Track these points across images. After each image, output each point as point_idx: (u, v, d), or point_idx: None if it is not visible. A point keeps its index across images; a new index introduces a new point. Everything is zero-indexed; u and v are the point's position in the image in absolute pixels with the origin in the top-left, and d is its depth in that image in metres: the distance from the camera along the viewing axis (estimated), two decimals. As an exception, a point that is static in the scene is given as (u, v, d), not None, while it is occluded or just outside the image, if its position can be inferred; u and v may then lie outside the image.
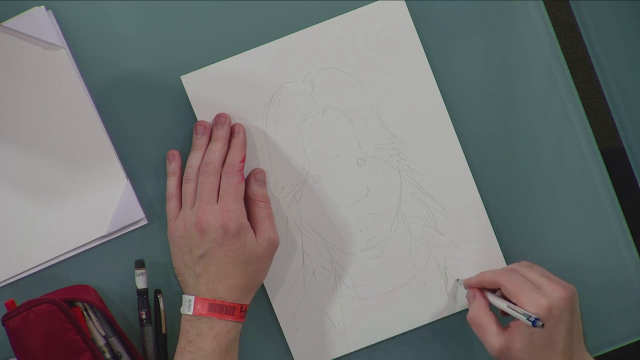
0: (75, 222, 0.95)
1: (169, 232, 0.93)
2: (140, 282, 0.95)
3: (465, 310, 0.98)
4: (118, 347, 0.94)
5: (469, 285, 0.95)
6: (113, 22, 0.96)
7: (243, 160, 0.93)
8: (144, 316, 0.95)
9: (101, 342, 0.94)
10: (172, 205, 0.94)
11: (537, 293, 0.88)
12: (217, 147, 0.93)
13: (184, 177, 0.94)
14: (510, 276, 0.91)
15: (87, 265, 0.97)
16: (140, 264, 0.95)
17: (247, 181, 0.94)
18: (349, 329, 0.98)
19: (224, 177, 0.92)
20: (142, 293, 0.95)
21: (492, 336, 0.90)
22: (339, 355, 0.98)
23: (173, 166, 0.95)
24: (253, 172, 0.95)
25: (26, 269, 0.95)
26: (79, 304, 0.93)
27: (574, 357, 0.89)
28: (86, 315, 0.93)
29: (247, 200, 0.94)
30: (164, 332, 0.96)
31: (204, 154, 0.93)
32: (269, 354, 0.98)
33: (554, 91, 0.99)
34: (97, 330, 0.94)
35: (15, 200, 0.95)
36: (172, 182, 0.94)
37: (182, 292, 0.93)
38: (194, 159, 0.93)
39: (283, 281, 0.97)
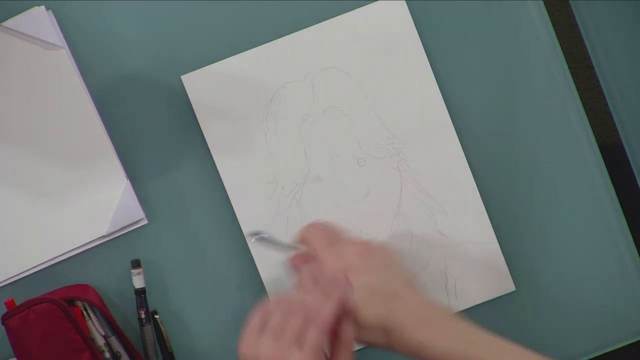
0: (75, 222, 0.95)
1: None
2: (138, 282, 0.95)
3: (466, 311, 0.98)
4: (117, 346, 0.94)
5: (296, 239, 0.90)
6: (113, 22, 0.96)
7: None
8: (143, 316, 0.95)
9: (101, 341, 0.94)
10: None
11: (335, 251, 0.85)
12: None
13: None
14: (317, 231, 0.87)
15: (87, 265, 0.96)
16: (136, 264, 0.95)
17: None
18: (349, 329, 0.98)
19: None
20: (139, 292, 0.95)
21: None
22: (339, 355, 0.98)
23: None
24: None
25: (26, 269, 0.95)
26: (79, 304, 0.93)
27: (401, 301, 0.82)
28: (86, 315, 0.93)
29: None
30: (169, 350, 0.96)
31: None
32: (269, 354, 0.98)
33: (554, 91, 0.99)
34: (96, 330, 0.94)
35: (15, 200, 0.95)
36: None
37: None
38: None
39: (283, 281, 0.97)
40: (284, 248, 0.91)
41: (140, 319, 0.96)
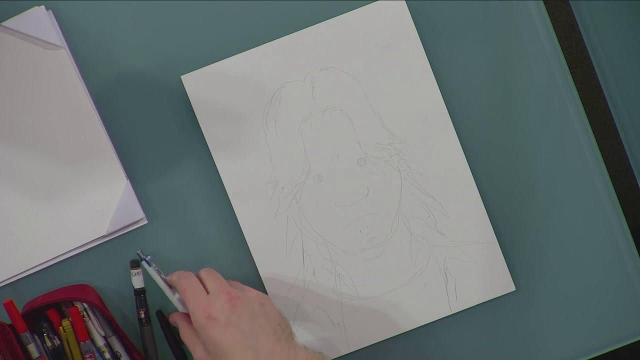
0: (75, 222, 0.95)
1: None
2: (137, 282, 0.95)
3: (466, 311, 0.98)
4: (118, 346, 0.94)
5: (170, 283, 0.93)
6: (113, 22, 0.96)
7: None
8: (142, 315, 0.95)
9: (101, 342, 0.94)
10: None
11: (204, 298, 0.88)
12: None
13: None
14: (186, 280, 0.90)
15: (87, 265, 0.96)
16: (135, 264, 0.95)
17: None
18: (349, 329, 0.98)
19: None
20: (139, 292, 0.95)
21: (198, 352, 0.89)
22: (339, 355, 0.98)
23: None
24: None
25: (26, 269, 0.95)
26: (77, 304, 0.93)
27: (264, 356, 0.87)
28: (85, 315, 0.93)
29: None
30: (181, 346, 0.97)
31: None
32: (269, 354, 0.98)
33: (554, 91, 0.99)
34: (96, 330, 0.94)
35: (15, 200, 0.95)
36: None
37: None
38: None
39: (283, 281, 0.97)
40: (161, 282, 0.93)
41: (140, 319, 0.96)
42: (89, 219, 0.95)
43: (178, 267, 0.96)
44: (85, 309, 0.94)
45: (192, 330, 0.90)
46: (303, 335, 0.97)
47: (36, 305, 0.93)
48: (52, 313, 0.93)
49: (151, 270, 0.93)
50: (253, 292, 0.90)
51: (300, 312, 0.97)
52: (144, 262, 0.93)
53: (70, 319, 0.93)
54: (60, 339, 0.93)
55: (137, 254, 0.94)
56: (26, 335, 0.91)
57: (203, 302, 0.88)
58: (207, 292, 0.89)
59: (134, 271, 0.95)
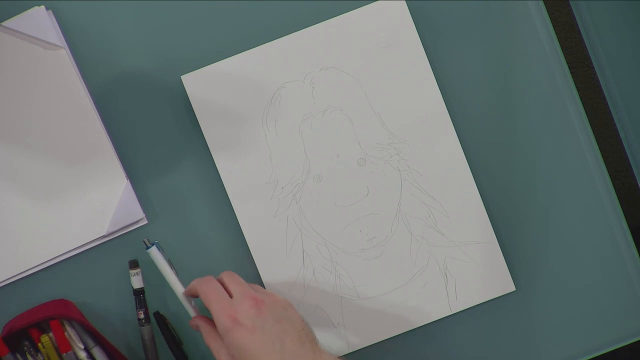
0: (75, 222, 0.95)
1: None
2: (136, 282, 0.95)
3: (466, 311, 0.98)
4: (101, 356, 0.94)
5: (188, 293, 0.93)
6: (113, 22, 0.96)
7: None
8: (142, 316, 0.95)
9: (82, 354, 0.94)
10: None
11: (228, 303, 0.87)
12: None
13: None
14: (208, 284, 0.90)
15: (87, 265, 0.96)
16: (134, 264, 0.95)
17: None
18: (349, 329, 0.98)
19: None
20: (138, 293, 0.95)
21: (222, 356, 0.88)
22: (339, 355, 0.98)
23: None
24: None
25: (26, 269, 0.95)
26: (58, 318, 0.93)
27: (290, 359, 0.86)
28: (66, 328, 0.93)
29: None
30: (181, 345, 0.96)
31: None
32: (269, 354, 0.98)
33: (554, 91, 0.99)
34: (75, 344, 0.93)
35: (15, 200, 0.95)
36: None
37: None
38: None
39: (283, 281, 0.97)
40: (167, 273, 0.93)
41: (139, 319, 0.96)
42: (89, 219, 0.95)
43: (178, 266, 0.96)
44: (63, 324, 0.93)
45: (216, 334, 0.89)
46: (303, 335, 0.97)
47: (15, 328, 0.92)
48: (33, 331, 0.93)
49: (159, 258, 0.92)
50: (277, 297, 0.90)
51: (300, 312, 0.97)
52: (154, 247, 0.92)
53: (50, 334, 0.93)
54: (42, 355, 0.93)
55: (144, 241, 0.93)
56: (8, 357, 0.92)
57: (228, 307, 0.87)
58: (231, 297, 0.89)
59: (132, 271, 0.95)
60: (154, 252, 0.92)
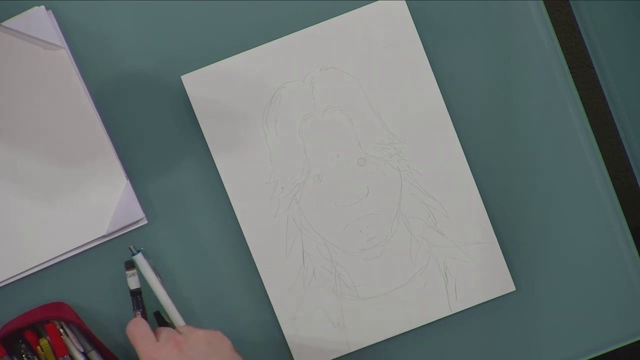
0: (75, 222, 0.95)
1: None
2: (132, 283, 0.94)
3: (466, 311, 0.98)
4: None
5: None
6: (113, 22, 0.96)
7: None
8: (139, 317, 0.95)
9: (80, 357, 0.94)
10: None
11: (151, 345, 0.88)
12: None
13: None
14: (136, 326, 0.90)
15: (87, 265, 0.96)
16: (130, 265, 0.94)
17: None
18: (349, 329, 0.98)
19: None
20: (135, 294, 0.94)
21: None
22: (339, 355, 0.98)
23: None
24: None
25: (26, 269, 0.95)
26: (54, 321, 0.93)
27: None
28: (62, 332, 0.93)
29: None
30: None
31: None
32: (269, 354, 0.98)
33: (554, 91, 0.99)
34: (74, 346, 0.94)
35: (15, 200, 0.95)
36: None
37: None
38: None
39: (283, 281, 0.97)
40: (152, 280, 0.93)
41: None
42: (89, 219, 0.95)
43: (178, 267, 0.96)
44: (62, 326, 0.93)
45: (149, 339, 0.90)
46: (303, 335, 0.97)
47: (11, 329, 0.92)
48: (29, 334, 0.93)
49: (145, 265, 0.92)
50: (200, 332, 0.90)
51: (300, 312, 0.97)
52: (139, 254, 0.92)
53: (48, 337, 0.93)
54: (39, 358, 0.93)
55: (130, 248, 0.93)
56: (5, 359, 0.92)
57: (151, 349, 0.88)
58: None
59: (129, 272, 0.94)
60: (139, 259, 0.93)
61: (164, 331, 0.90)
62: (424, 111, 0.97)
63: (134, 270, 0.94)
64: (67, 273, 0.96)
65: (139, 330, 0.90)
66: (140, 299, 0.95)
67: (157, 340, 0.89)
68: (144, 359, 0.88)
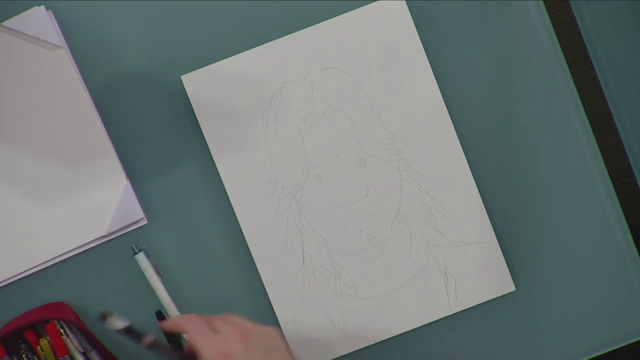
0: (75, 222, 0.95)
1: None
2: (119, 324, 0.86)
3: (466, 311, 0.98)
4: None
5: (169, 329, 0.90)
6: (113, 22, 0.96)
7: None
8: (148, 341, 0.89)
9: (80, 357, 0.94)
10: None
11: (213, 338, 0.85)
12: None
13: None
14: (193, 322, 0.88)
15: (88, 265, 0.96)
16: (104, 317, 0.85)
17: None
18: (349, 329, 0.98)
19: None
20: (128, 331, 0.87)
21: None
22: (339, 355, 0.98)
23: None
24: None
25: (26, 269, 0.95)
26: (54, 321, 0.93)
27: None
28: (62, 332, 0.93)
29: None
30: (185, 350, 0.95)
31: None
32: (269, 354, 0.98)
33: (554, 91, 0.99)
34: (74, 346, 0.94)
35: (15, 200, 0.95)
36: None
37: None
38: None
39: (283, 281, 0.97)
40: (153, 280, 0.92)
41: (147, 346, 0.94)
42: (89, 219, 0.95)
43: (178, 267, 0.96)
44: (62, 327, 0.94)
45: (207, 332, 0.87)
46: (303, 335, 0.97)
47: (11, 329, 0.93)
48: (29, 334, 0.93)
49: (147, 264, 0.91)
50: (262, 328, 0.88)
51: (300, 312, 0.97)
52: (141, 253, 0.92)
53: (48, 337, 0.93)
54: (39, 358, 0.93)
55: (132, 247, 0.93)
56: (5, 359, 0.92)
57: (215, 342, 0.85)
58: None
59: (108, 320, 0.86)
60: (141, 258, 0.92)
61: (221, 323, 0.87)
62: (423, 111, 0.97)
63: (112, 316, 0.87)
64: (67, 273, 0.96)
65: (197, 324, 0.87)
66: (135, 332, 0.87)
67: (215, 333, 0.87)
68: (208, 353, 0.84)
